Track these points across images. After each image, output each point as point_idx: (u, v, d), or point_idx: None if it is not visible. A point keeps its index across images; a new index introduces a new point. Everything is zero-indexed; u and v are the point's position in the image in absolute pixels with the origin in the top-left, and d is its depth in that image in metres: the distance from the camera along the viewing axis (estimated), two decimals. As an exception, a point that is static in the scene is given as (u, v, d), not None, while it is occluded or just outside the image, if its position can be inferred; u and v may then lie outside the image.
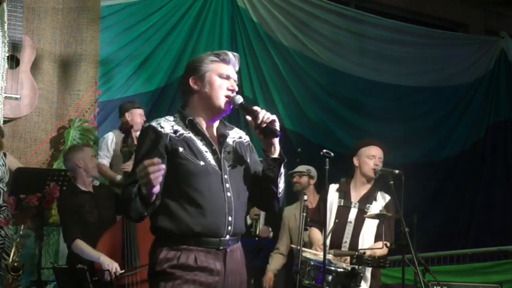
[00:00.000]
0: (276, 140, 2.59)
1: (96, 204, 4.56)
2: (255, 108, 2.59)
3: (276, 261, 5.57)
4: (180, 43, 7.03)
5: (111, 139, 5.71)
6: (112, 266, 4.12)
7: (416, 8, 9.07)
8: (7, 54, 5.51)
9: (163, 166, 2.36)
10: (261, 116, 2.55)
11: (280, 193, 2.66)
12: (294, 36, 7.79)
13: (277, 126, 2.56)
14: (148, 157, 2.44)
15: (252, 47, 7.52)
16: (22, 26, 5.63)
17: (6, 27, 5.42)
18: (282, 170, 2.63)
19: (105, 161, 5.63)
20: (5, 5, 5.43)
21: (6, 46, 5.45)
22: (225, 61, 2.64)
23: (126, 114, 5.68)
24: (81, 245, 4.35)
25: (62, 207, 4.67)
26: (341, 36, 8.08)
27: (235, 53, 2.68)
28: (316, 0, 7.89)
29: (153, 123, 2.59)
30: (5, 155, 5.44)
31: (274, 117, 2.57)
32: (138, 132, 5.61)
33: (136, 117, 5.66)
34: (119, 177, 5.38)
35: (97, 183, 4.75)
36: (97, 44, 6.35)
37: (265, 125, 2.55)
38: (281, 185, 2.65)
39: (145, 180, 2.34)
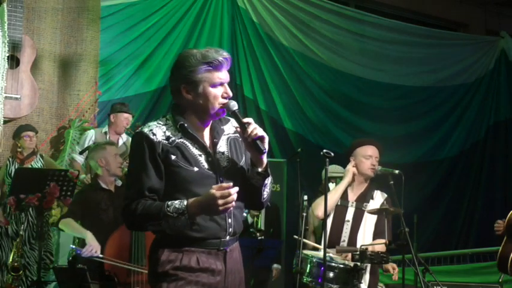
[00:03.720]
0: (263, 156, 2.53)
1: (113, 204, 4.57)
2: (246, 120, 2.50)
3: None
4: (180, 43, 7.03)
5: (90, 137, 5.79)
6: (93, 244, 4.19)
7: (416, 8, 9.08)
8: (7, 54, 5.52)
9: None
10: (249, 130, 2.47)
11: (264, 198, 2.64)
12: (294, 36, 7.80)
13: (266, 144, 2.49)
14: (146, 170, 2.46)
15: (252, 47, 7.53)
16: (22, 26, 5.63)
17: (6, 27, 5.41)
18: (267, 181, 2.59)
19: (79, 157, 5.74)
20: (5, 5, 5.42)
21: (6, 46, 5.45)
22: (217, 68, 2.52)
23: (111, 116, 5.76)
24: (70, 222, 4.42)
25: (76, 197, 4.76)
26: (341, 36, 8.09)
27: (225, 54, 2.54)
28: (316, 0, 7.89)
29: (145, 130, 2.52)
30: (42, 156, 5.50)
31: (263, 133, 2.49)
32: (123, 136, 5.82)
33: (121, 120, 5.74)
34: (82, 176, 5.47)
35: (119, 183, 4.78)
36: (97, 44, 6.35)
37: (251, 140, 2.48)
38: (265, 193, 2.62)
39: (229, 206, 2.39)
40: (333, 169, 5.63)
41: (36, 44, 5.90)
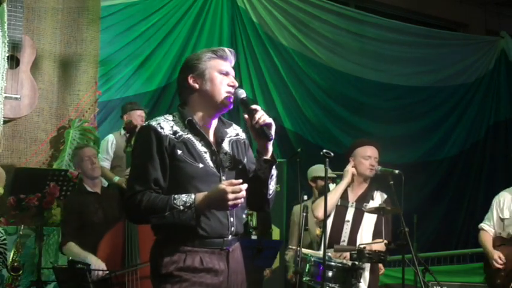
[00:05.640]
0: (270, 143, 2.56)
1: (102, 205, 4.58)
2: (254, 106, 2.54)
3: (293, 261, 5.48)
4: (180, 43, 7.04)
5: (111, 141, 5.76)
6: (98, 265, 4.17)
7: (416, 8, 9.08)
8: (7, 54, 5.51)
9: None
10: (257, 116, 2.51)
11: (270, 194, 2.65)
12: (294, 36, 7.80)
13: (273, 130, 2.53)
14: (152, 161, 2.47)
15: (252, 47, 7.53)
16: (22, 26, 5.62)
17: (6, 27, 5.41)
18: (274, 172, 2.61)
19: (105, 163, 5.66)
20: (5, 5, 5.41)
21: (6, 46, 5.44)
22: (223, 57, 2.61)
23: (125, 116, 5.75)
24: (72, 247, 4.42)
25: (65, 208, 4.73)
26: (341, 36, 8.09)
27: (231, 49, 2.67)
28: (316, 0, 7.90)
29: (153, 123, 2.54)
30: None
31: (270, 120, 2.53)
32: None
33: (135, 118, 5.70)
34: (116, 178, 5.43)
35: (105, 183, 4.76)
36: (97, 44, 6.34)
37: (259, 126, 2.52)
38: (271, 186, 2.64)
39: (238, 202, 2.41)
40: (319, 169, 5.64)
41: (36, 44, 5.90)
